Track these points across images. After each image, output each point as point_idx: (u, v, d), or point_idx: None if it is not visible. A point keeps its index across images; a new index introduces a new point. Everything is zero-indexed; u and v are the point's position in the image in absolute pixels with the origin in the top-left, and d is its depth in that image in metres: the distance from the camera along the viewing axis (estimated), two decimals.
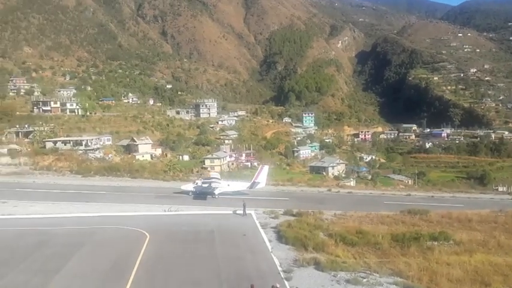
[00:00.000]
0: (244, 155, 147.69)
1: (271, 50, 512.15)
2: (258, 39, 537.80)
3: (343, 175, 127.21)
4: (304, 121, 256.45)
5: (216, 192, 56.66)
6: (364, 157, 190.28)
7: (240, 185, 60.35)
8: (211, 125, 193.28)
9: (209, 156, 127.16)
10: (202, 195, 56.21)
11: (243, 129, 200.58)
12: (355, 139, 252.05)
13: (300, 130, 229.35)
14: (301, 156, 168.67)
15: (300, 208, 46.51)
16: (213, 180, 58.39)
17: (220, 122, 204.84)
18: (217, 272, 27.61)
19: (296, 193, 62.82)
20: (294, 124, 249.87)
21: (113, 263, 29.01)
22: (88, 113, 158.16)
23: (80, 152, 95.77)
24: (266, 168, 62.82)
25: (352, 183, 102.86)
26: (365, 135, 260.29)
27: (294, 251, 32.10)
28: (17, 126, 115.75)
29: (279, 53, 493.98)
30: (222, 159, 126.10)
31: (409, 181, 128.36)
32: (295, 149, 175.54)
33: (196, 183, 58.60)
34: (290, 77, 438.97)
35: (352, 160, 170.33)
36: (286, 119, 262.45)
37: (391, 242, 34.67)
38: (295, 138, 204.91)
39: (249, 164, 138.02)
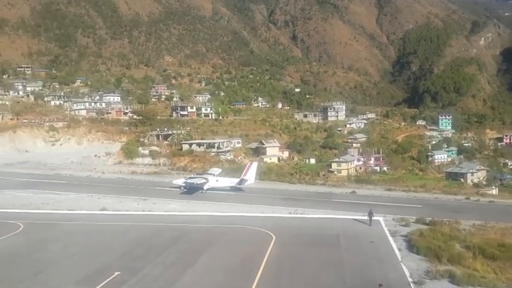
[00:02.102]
0: (373, 159, 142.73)
1: (405, 50, 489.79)
2: (391, 39, 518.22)
3: (484, 182, 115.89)
4: (440, 124, 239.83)
5: (205, 187, 59.55)
6: (509, 163, 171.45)
7: (229, 181, 62.80)
8: (339, 128, 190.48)
9: (336, 159, 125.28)
10: (191, 189, 59.28)
11: (373, 133, 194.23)
12: (499, 143, 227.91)
13: (435, 133, 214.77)
14: (436, 161, 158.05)
15: (433, 216, 43.36)
16: (204, 175, 62.84)
17: (348, 125, 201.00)
18: (342, 277, 26.90)
19: (429, 200, 58.66)
20: (428, 127, 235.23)
21: (240, 261, 29.86)
22: (221, 117, 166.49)
23: (213, 154, 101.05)
24: (255, 165, 65.01)
25: (495, 191, 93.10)
26: (510, 140, 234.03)
27: (426, 262, 29.94)
28: (158, 129, 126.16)
29: (414, 53, 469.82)
30: (349, 163, 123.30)
31: None
32: (430, 153, 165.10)
33: (186, 178, 62.64)
34: (425, 78, 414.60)
35: (495, 166, 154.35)
36: (420, 122, 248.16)
37: None
38: (429, 142, 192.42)
39: (378, 168, 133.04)
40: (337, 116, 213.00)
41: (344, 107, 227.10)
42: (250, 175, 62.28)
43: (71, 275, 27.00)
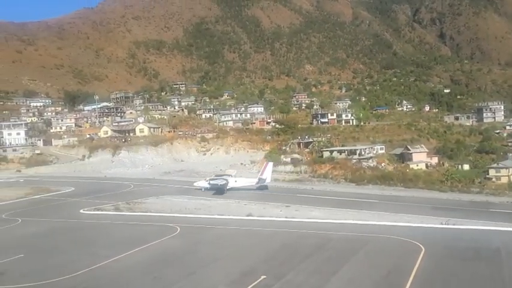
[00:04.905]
0: None
1: None
2: None
3: None
4: None
5: (226, 188, 65.26)
6: None
7: (247, 181, 69.19)
8: (497, 131, 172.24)
9: (494, 165, 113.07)
10: (214, 190, 65.03)
11: None
12: None
13: None
14: None
15: None
16: (223, 177, 67.76)
17: (508, 127, 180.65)
18: None
19: None
20: None
21: (386, 273, 28.52)
22: (362, 123, 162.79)
23: (354, 160, 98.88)
24: (270, 164, 71.36)
25: None
26: None
27: None
28: (299, 137, 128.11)
29: None
30: (510, 169, 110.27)
31: None
32: None
33: (207, 179, 68.56)
34: None
35: None
36: None
37: None
38: None
39: None
40: (494, 118, 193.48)
41: (502, 107, 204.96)
42: (267, 174, 67.61)
43: (221, 276, 28.59)
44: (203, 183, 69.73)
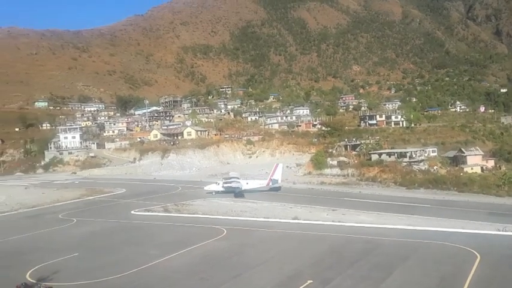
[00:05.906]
0: None
1: None
2: None
3: None
4: None
5: (237, 190, 65.61)
6: None
7: (257, 183, 69.85)
8: None
9: None
10: (228, 193, 65.55)
11: None
12: None
13: None
14: None
15: None
16: (233, 179, 67.13)
17: None
18: None
19: None
20: None
21: (439, 281, 27.40)
22: (412, 125, 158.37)
23: (404, 163, 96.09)
24: (280, 166, 71.77)
25: None
26: None
27: None
28: (346, 139, 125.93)
29: None
30: None
31: None
32: None
33: (218, 183, 69.05)
34: None
35: None
36: None
37: None
38: None
39: None
40: None
41: None
42: (277, 175, 68.89)
43: (267, 279, 28.44)
44: (214, 187, 70.21)
